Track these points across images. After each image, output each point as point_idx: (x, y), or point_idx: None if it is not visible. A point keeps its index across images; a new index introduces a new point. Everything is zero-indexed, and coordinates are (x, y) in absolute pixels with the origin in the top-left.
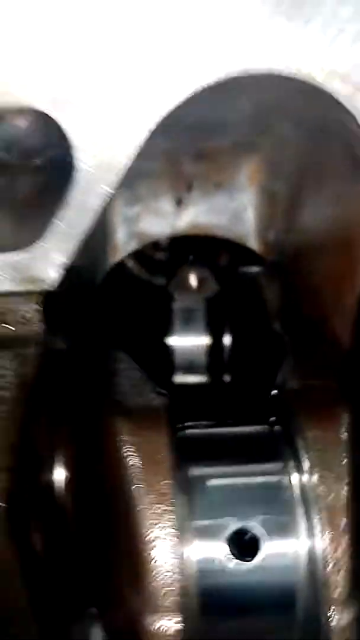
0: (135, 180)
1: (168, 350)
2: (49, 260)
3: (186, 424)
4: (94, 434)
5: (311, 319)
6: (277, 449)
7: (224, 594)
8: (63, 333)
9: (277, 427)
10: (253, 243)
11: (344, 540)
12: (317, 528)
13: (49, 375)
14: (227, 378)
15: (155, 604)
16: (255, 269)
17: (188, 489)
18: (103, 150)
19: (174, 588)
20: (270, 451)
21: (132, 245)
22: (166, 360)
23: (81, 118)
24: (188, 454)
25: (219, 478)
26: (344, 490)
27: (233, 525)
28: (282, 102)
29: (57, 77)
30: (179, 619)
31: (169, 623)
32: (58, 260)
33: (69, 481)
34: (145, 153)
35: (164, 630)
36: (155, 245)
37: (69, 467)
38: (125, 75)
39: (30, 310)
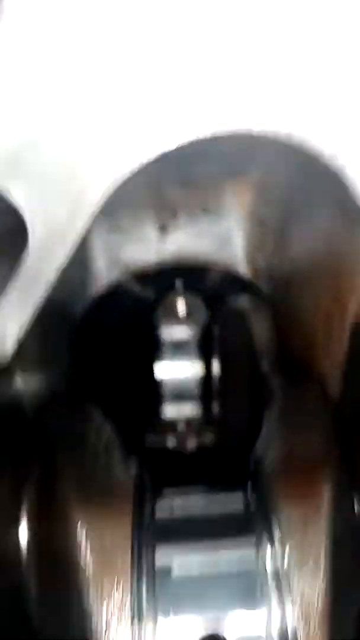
0: (116, 208)
1: (156, 379)
2: (1, 332)
3: (157, 495)
4: (54, 509)
5: (300, 359)
6: (251, 528)
7: None
8: (34, 376)
9: (253, 499)
10: (243, 268)
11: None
12: (292, 625)
13: (9, 442)
14: (216, 408)
15: None
16: (244, 299)
17: (153, 580)
18: (55, 221)
19: None
20: (243, 531)
21: (115, 274)
22: (154, 389)
23: (30, 190)
24: (155, 539)
25: (187, 558)
26: (321, 586)
27: (202, 627)
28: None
29: (3, 149)
30: None
31: None
32: (12, 332)
33: (32, 557)
34: (126, 184)
35: None
36: None
37: (31, 545)
38: (77, 145)
39: None
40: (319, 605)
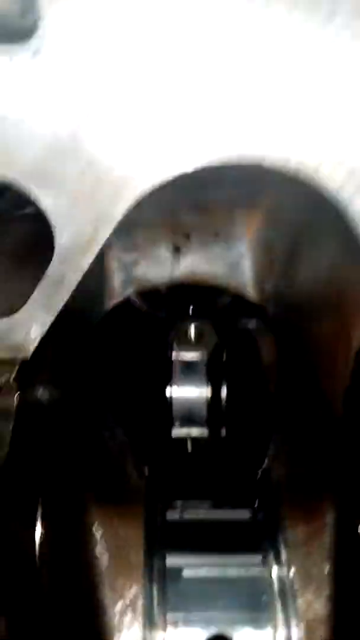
0: (132, 228)
1: (167, 402)
2: (26, 330)
3: (167, 506)
4: (71, 512)
5: (305, 380)
6: (259, 543)
7: None
8: (52, 382)
9: (260, 516)
10: (251, 292)
11: None
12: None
13: (27, 441)
14: (223, 432)
15: None
16: (253, 322)
17: (164, 580)
18: (80, 229)
19: None
20: (251, 545)
21: (130, 290)
22: (165, 411)
23: (59, 198)
24: (166, 542)
25: (196, 570)
26: (325, 603)
27: (209, 629)
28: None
29: (33, 156)
30: None
31: None
32: (35, 330)
33: (47, 557)
34: (142, 204)
35: None
36: None
37: (46, 542)
38: (103, 157)
39: (6, 380)
40: (324, 623)
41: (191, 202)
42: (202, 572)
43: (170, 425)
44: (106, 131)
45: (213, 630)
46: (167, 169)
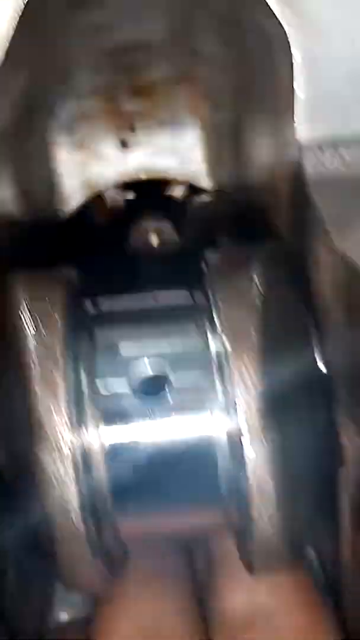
0: (74, 123)
1: None
2: None
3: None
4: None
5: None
6: (190, 306)
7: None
8: None
9: (196, 296)
10: (205, 182)
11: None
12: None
13: None
14: None
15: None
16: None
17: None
18: None
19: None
20: (182, 307)
21: (82, 194)
22: None
23: None
24: (93, 319)
25: (129, 343)
26: (253, 353)
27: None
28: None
29: None
30: None
31: None
32: None
33: None
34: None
35: None
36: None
37: None
38: None
39: None
40: (252, 370)
41: (127, 84)
42: (134, 343)
43: None
44: None
45: (148, 372)
46: None
